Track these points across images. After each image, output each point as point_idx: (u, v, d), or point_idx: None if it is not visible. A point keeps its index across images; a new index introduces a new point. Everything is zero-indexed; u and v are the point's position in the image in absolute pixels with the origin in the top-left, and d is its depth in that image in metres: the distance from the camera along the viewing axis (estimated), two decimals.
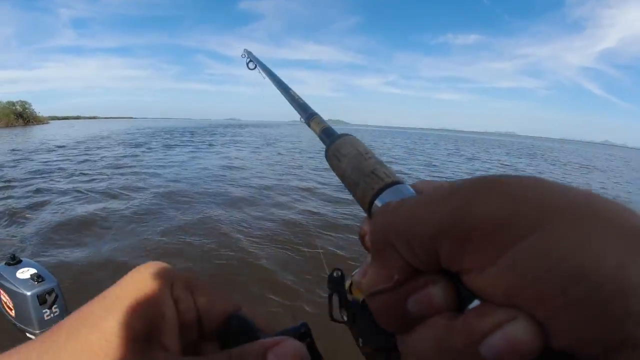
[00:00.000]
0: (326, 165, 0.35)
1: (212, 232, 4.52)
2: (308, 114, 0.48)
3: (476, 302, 0.17)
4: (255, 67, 1.35)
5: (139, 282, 0.25)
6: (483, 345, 0.15)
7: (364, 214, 0.29)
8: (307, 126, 0.48)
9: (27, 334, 1.43)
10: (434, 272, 0.18)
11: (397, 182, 0.26)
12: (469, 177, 0.19)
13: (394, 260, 0.19)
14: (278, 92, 0.68)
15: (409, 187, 0.26)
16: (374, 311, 0.21)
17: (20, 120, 47.74)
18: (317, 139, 0.41)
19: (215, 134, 29.38)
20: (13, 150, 14.13)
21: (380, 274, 0.20)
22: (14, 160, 11.35)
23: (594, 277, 0.13)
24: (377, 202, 0.26)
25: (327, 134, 0.39)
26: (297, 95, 0.59)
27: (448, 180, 0.24)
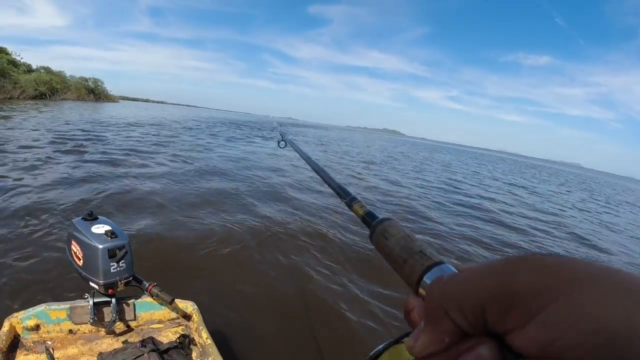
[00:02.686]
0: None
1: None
2: (350, 198, 0.53)
3: None
4: (286, 146, 1.52)
5: None
6: None
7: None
8: (348, 209, 0.53)
9: (91, 283, 1.56)
10: (480, 335, 0.22)
11: (442, 262, 0.31)
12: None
13: (446, 325, 0.23)
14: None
15: (451, 266, 0.30)
16: None
17: (92, 96, 51.39)
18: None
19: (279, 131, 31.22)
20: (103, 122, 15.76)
21: (432, 337, 0.24)
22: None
23: (609, 328, 0.17)
24: (427, 278, 0.30)
25: (371, 217, 0.45)
26: (334, 178, 0.65)
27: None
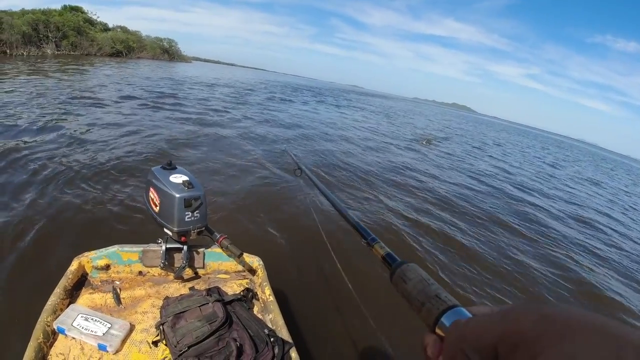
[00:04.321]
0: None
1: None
2: (370, 238, 0.56)
3: None
4: (302, 173, 1.38)
5: None
6: None
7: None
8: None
9: (165, 229, 1.63)
10: None
11: (456, 305, 0.35)
12: None
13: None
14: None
15: (464, 309, 0.34)
16: None
17: (166, 55, 54.03)
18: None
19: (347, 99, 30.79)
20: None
21: None
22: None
23: None
24: (443, 320, 0.34)
25: (391, 259, 0.48)
26: (354, 218, 0.65)
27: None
